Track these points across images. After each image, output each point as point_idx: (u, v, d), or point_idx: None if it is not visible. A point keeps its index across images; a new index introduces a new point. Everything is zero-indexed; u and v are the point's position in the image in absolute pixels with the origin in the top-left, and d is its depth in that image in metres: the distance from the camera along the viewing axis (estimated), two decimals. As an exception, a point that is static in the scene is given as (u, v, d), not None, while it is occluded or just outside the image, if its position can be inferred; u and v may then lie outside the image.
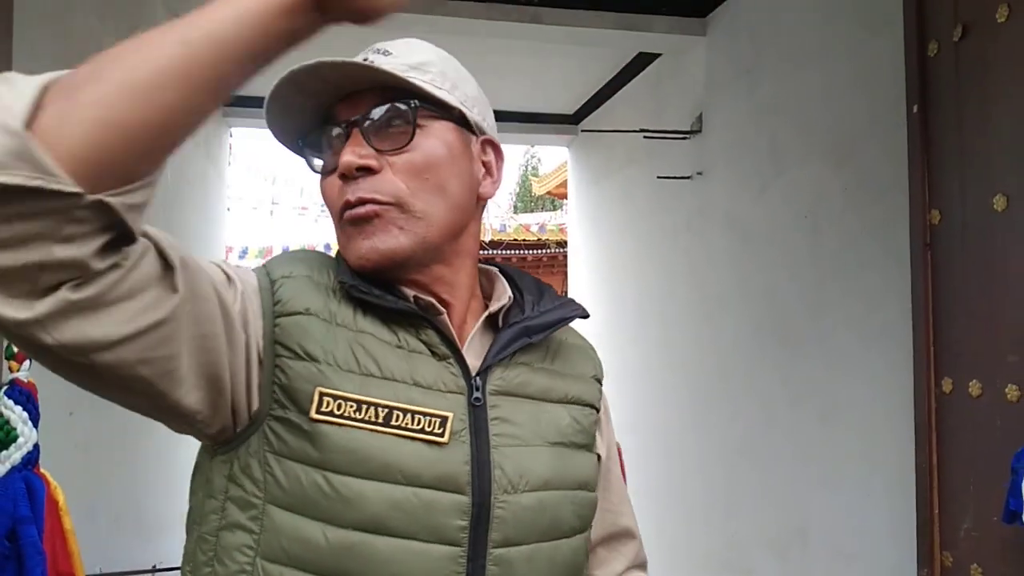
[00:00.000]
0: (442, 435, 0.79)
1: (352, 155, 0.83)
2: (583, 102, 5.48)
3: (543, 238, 9.98)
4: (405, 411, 0.79)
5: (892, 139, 2.43)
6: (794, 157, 3.21)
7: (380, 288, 0.84)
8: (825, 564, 2.98)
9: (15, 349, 1.38)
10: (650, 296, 4.61)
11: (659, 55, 4.41)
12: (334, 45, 0.83)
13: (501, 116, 5.20)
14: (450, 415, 0.80)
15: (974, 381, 2.02)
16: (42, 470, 1.39)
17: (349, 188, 0.84)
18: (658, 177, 4.18)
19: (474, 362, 0.86)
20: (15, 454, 1.34)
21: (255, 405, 0.79)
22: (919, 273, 2.20)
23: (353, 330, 0.81)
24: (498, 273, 0.97)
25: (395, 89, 0.85)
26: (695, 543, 3.84)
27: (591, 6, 3.84)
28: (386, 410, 0.78)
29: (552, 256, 9.43)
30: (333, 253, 0.91)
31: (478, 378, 0.85)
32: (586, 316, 0.94)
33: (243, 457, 0.80)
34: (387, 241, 0.83)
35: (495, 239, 13.19)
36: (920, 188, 2.20)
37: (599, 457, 0.97)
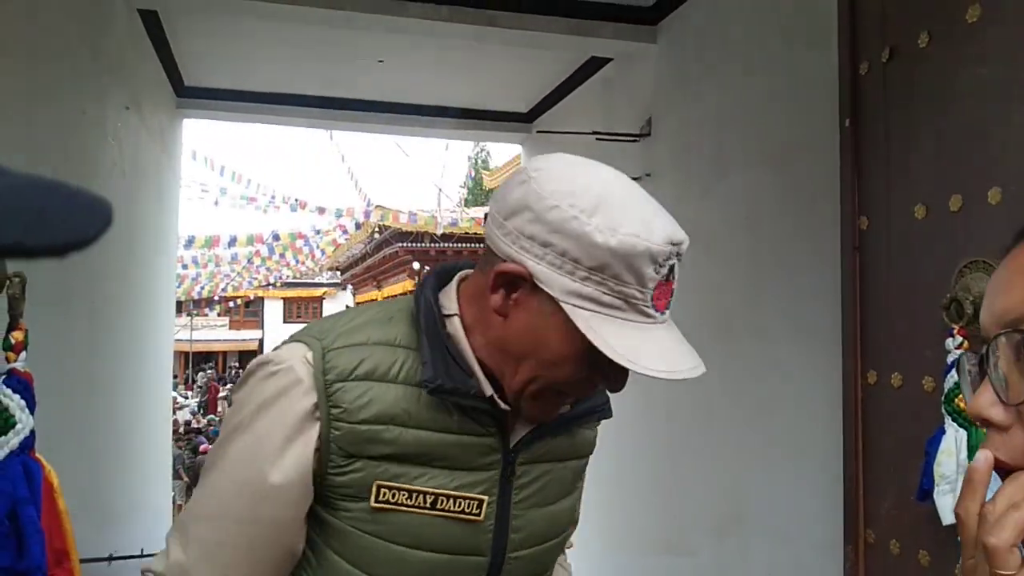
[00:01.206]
0: (479, 515, 0.93)
1: None
2: (537, 101, 5.60)
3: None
4: (448, 496, 0.91)
5: (826, 149, 2.59)
6: (736, 162, 3.38)
7: (459, 365, 0.91)
8: (761, 544, 3.17)
9: (12, 340, 1.46)
10: (600, 291, 4.75)
11: (611, 59, 4.56)
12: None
13: (458, 113, 5.28)
14: (486, 498, 0.93)
15: (896, 373, 2.20)
16: (37, 455, 1.47)
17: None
18: (609, 177, 4.32)
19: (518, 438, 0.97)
20: (13, 439, 1.42)
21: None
22: (848, 274, 2.37)
23: (409, 426, 0.89)
24: None
25: None
26: (641, 527, 4.01)
27: (545, 11, 3.96)
28: (432, 496, 0.90)
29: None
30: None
31: (513, 453, 0.95)
32: (610, 416, 1.05)
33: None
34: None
35: (447, 232, 13.24)
36: (850, 196, 2.37)
37: None
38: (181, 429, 14.51)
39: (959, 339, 1.92)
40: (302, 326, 1.01)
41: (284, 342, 0.95)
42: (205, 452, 13.78)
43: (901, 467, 2.17)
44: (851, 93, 2.38)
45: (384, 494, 0.89)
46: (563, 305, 0.84)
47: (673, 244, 0.89)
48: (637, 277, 0.85)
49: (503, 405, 0.92)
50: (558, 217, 0.83)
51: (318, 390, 0.88)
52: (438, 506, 0.90)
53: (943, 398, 1.93)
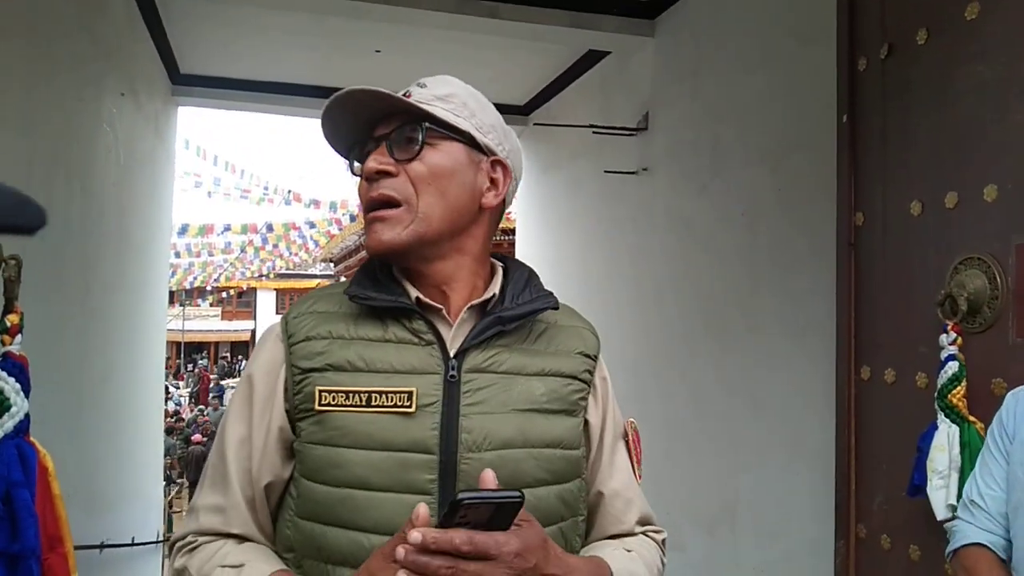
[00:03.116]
0: (409, 406, 0.99)
1: (373, 162, 1.04)
2: (534, 94, 5.60)
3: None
4: (381, 392, 0.99)
5: (822, 146, 2.60)
6: (733, 158, 3.38)
7: (388, 286, 1.06)
8: (752, 540, 3.18)
9: (7, 323, 1.45)
10: (595, 286, 4.76)
11: (608, 53, 4.56)
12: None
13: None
14: (414, 389, 1.00)
15: (889, 369, 2.21)
16: (32, 438, 1.46)
17: (372, 187, 1.05)
18: (605, 171, 4.34)
19: (458, 345, 1.04)
20: (8, 423, 1.41)
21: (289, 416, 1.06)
22: (844, 270, 2.38)
23: (347, 339, 1.03)
24: (500, 267, 1.15)
25: (417, 113, 1.04)
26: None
27: (545, 3, 3.96)
28: (366, 394, 0.99)
29: (497, 244, 9.56)
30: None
31: (455, 359, 1.03)
32: (556, 307, 1.12)
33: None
34: (389, 234, 1.03)
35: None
36: (847, 192, 2.38)
37: (587, 422, 1.13)
38: (171, 419, 14.48)
39: (953, 335, 1.93)
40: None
41: None
42: (197, 443, 13.75)
43: (893, 463, 2.18)
44: (849, 89, 2.38)
45: (324, 397, 1.00)
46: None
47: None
48: None
49: (435, 304, 1.05)
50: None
51: (282, 328, 1.07)
52: (373, 403, 0.99)
53: (936, 394, 1.94)
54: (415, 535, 0.82)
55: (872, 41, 2.30)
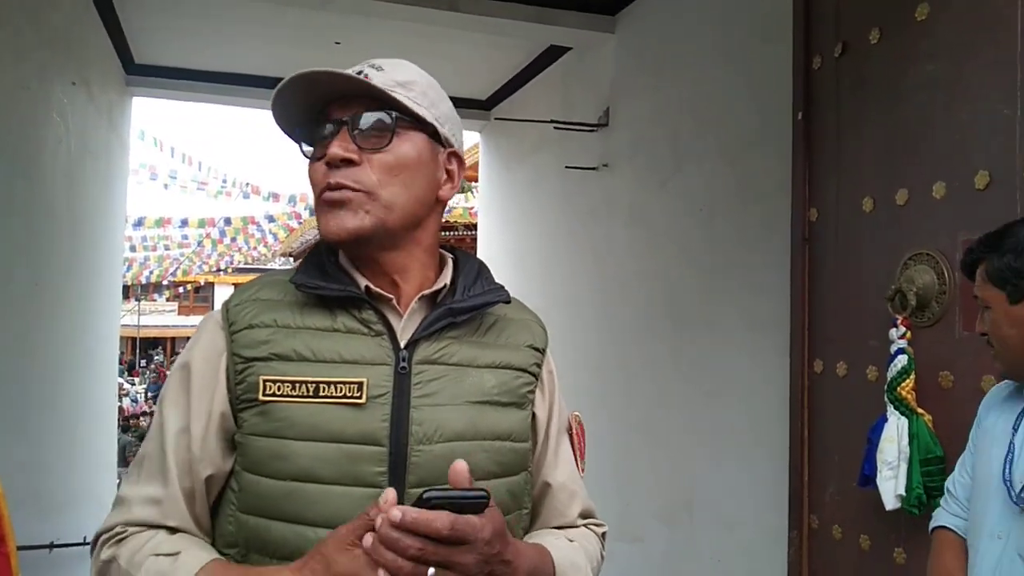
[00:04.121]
0: (360, 397, 0.97)
1: (339, 148, 1.00)
2: (496, 89, 5.58)
3: (450, 220, 10.05)
4: (329, 383, 0.97)
5: (779, 142, 2.63)
6: (693, 154, 3.41)
7: (336, 275, 1.03)
8: (710, 530, 3.22)
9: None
10: (557, 280, 4.77)
11: (570, 48, 4.56)
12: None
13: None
14: (365, 380, 0.97)
15: (841, 362, 2.25)
16: (-27, 436, 1.41)
17: (332, 174, 1.00)
18: (566, 167, 4.34)
19: (409, 336, 1.02)
20: (-52, 420, 1.37)
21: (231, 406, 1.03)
22: (798, 265, 2.42)
23: (293, 328, 1.01)
24: (450, 259, 1.13)
25: (381, 100, 1.01)
26: (592, 515, 4.05)
27: (506, -2, 3.95)
28: (314, 384, 0.97)
29: (460, 239, 9.53)
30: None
31: (405, 351, 1.01)
32: (507, 302, 1.11)
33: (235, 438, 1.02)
34: (352, 221, 1.00)
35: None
36: (801, 188, 2.41)
37: (534, 415, 1.12)
38: (127, 414, 14.22)
39: (903, 329, 1.97)
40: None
41: None
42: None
43: (844, 454, 2.22)
44: (804, 87, 2.41)
45: (269, 387, 0.97)
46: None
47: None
48: None
49: (386, 294, 1.03)
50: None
51: (223, 316, 1.04)
52: (321, 393, 0.97)
53: (886, 387, 1.98)
54: (395, 512, 0.79)
55: (827, 39, 2.34)
